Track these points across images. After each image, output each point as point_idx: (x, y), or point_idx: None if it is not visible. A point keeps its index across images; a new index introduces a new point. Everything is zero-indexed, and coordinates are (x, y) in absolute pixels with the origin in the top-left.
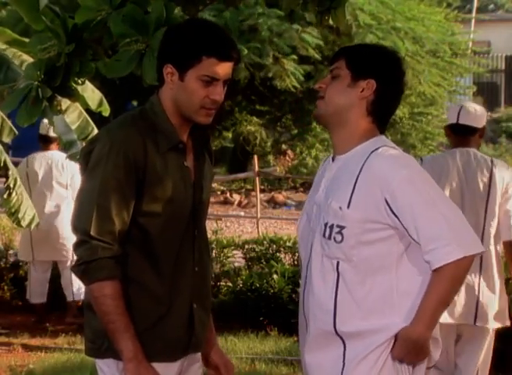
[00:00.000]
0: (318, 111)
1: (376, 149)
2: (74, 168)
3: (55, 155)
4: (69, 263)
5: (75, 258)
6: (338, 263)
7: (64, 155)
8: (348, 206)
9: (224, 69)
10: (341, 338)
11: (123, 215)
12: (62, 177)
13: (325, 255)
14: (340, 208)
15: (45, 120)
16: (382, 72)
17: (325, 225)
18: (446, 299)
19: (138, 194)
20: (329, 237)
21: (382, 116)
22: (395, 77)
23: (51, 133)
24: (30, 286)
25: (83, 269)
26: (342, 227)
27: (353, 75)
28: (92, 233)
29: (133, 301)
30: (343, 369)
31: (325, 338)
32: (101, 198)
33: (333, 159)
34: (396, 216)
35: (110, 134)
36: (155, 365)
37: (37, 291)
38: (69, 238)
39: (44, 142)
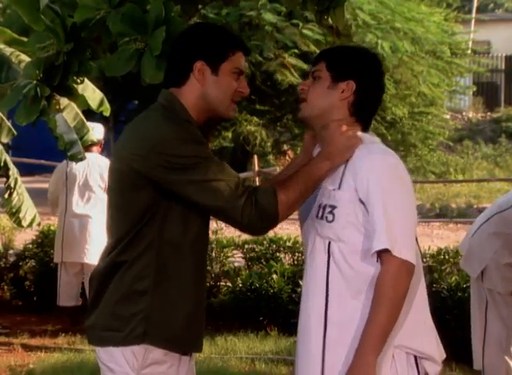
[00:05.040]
0: (302, 113)
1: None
2: None
3: (96, 157)
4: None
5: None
6: (329, 244)
7: (105, 158)
8: (339, 187)
9: (245, 63)
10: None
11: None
12: (101, 180)
13: (317, 234)
14: (333, 189)
15: (90, 124)
16: (360, 73)
17: (319, 206)
18: (385, 320)
19: None
20: (321, 217)
21: (364, 116)
22: (374, 78)
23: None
24: (60, 288)
25: (261, 218)
26: (333, 207)
27: (333, 77)
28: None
29: (177, 268)
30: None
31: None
32: (219, 175)
33: None
34: (362, 203)
35: (173, 130)
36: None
37: (66, 294)
38: (100, 242)
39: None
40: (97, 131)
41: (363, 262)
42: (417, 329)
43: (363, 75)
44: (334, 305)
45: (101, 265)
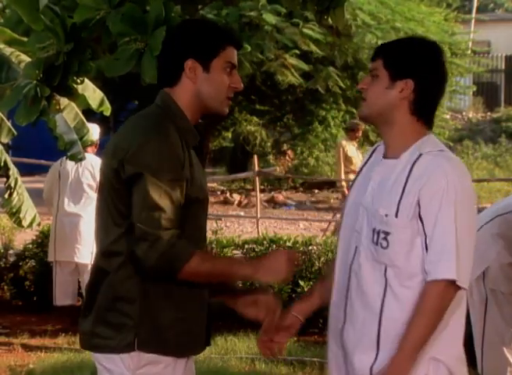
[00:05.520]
0: (361, 113)
1: (428, 152)
2: None
3: (89, 157)
4: (89, 267)
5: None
6: (386, 268)
7: (98, 159)
8: (396, 214)
9: (236, 57)
10: (377, 347)
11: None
12: (93, 180)
13: (374, 259)
14: (386, 215)
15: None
16: (419, 71)
17: (373, 230)
18: (426, 327)
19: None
20: (376, 243)
21: (426, 113)
22: (433, 73)
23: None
24: (55, 288)
25: (166, 260)
26: (387, 233)
27: (390, 76)
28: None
29: (168, 292)
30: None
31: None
32: (172, 197)
33: (384, 156)
34: (421, 220)
35: (154, 135)
36: (169, 359)
37: (62, 293)
38: (91, 241)
39: None
40: (93, 132)
41: (419, 283)
42: (452, 345)
43: (421, 72)
44: (387, 333)
45: (91, 270)
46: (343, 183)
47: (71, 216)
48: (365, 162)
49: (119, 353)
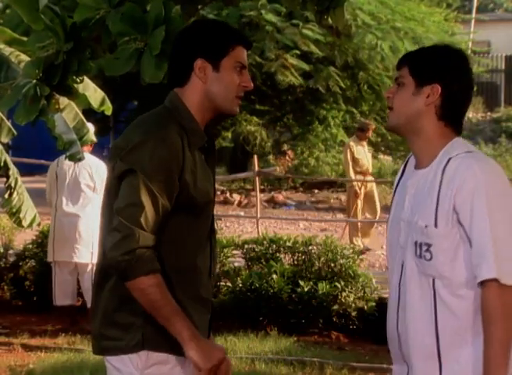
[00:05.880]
0: (389, 123)
1: (456, 155)
2: (105, 172)
3: (86, 157)
4: (89, 267)
5: (94, 261)
6: (434, 280)
7: (95, 158)
8: (436, 225)
9: (246, 57)
10: (439, 360)
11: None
12: (91, 180)
13: (420, 272)
14: (426, 226)
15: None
16: (445, 75)
17: (415, 244)
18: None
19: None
20: (420, 256)
21: (453, 118)
22: (459, 78)
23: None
24: (55, 288)
25: (125, 263)
26: (429, 245)
27: (416, 82)
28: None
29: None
30: None
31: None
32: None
33: (415, 167)
34: (462, 226)
35: (153, 135)
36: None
37: (62, 293)
38: (90, 241)
39: None
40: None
41: (469, 290)
42: None
43: (447, 77)
44: (446, 344)
45: (95, 272)
46: (354, 183)
47: (70, 216)
48: (400, 177)
49: (126, 354)
